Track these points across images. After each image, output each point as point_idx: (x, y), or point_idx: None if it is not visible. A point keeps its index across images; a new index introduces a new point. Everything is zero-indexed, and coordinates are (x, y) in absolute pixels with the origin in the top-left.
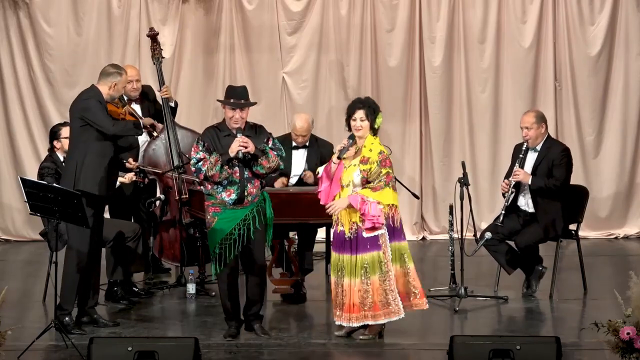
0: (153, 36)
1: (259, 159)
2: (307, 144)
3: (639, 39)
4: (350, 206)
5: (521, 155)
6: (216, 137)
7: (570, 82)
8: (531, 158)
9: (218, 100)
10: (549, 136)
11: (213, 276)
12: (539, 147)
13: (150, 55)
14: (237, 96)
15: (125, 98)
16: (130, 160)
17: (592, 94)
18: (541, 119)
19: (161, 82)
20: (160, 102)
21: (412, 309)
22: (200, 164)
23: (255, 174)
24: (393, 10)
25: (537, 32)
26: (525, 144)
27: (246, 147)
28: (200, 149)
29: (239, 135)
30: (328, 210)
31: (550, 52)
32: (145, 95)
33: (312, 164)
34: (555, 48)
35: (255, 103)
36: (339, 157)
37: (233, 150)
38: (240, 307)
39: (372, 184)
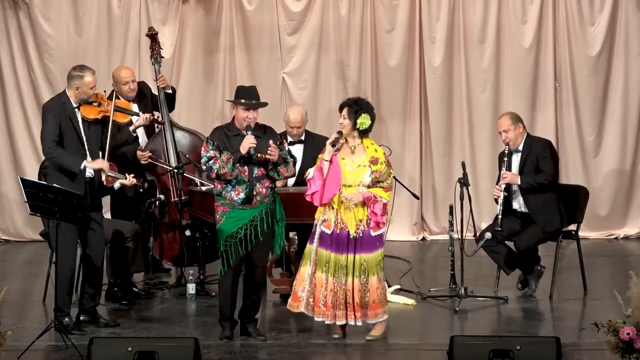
0: (152, 36)
1: (279, 167)
2: (303, 138)
3: (639, 39)
4: (362, 203)
5: (505, 159)
6: (225, 137)
7: (570, 82)
8: (515, 160)
9: (232, 101)
10: (528, 134)
11: (219, 275)
12: (520, 147)
13: (150, 55)
14: (250, 96)
15: (122, 99)
16: (145, 152)
17: (592, 94)
18: (516, 120)
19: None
20: (157, 95)
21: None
22: (211, 162)
23: (265, 175)
24: (393, 10)
25: (537, 32)
26: (507, 147)
27: (256, 145)
28: (211, 148)
29: (249, 132)
30: (349, 201)
31: (550, 53)
32: (141, 93)
33: (308, 159)
34: (555, 48)
35: (266, 104)
36: (333, 145)
37: (244, 147)
38: (236, 308)
39: (383, 183)
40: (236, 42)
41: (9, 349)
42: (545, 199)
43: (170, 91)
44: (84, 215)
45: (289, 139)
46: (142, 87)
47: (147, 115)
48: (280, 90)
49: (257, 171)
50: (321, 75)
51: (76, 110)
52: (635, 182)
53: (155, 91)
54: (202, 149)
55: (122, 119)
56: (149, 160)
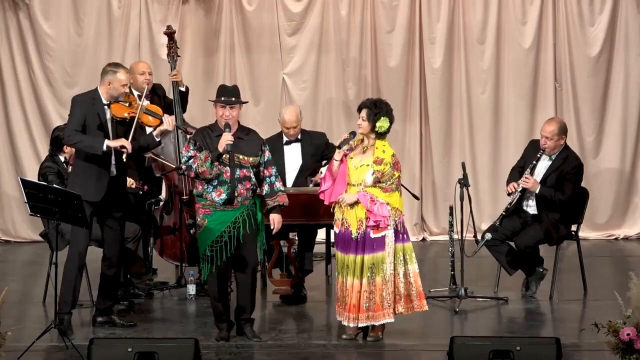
0: (170, 34)
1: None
2: (299, 137)
3: (639, 39)
4: (357, 203)
5: (534, 162)
6: (208, 136)
7: (570, 82)
8: (543, 165)
9: (210, 100)
10: (566, 145)
11: (203, 278)
12: (554, 156)
13: (166, 53)
14: (227, 94)
15: (136, 93)
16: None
17: (592, 94)
18: (562, 131)
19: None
20: (171, 97)
21: (413, 311)
22: (190, 161)
23: (247, 177)
24: (393, 10)
25: (537, 33)
26: (542, 151)
27: (233, 142)
28: (192, 147)
29: (227, 130)
30: (339, 202)
31: (550, 53)
32: (155, 92)
33: (307, 157)
34: (555, 49)
35: (245, 102)
36: (339, 147)
37: (221, 145)
38: (230, 309)
39: (383, 184)
40: (236, 42)
41: (9, 350)
42: (555, 213)
43: (183, 89)
44: (84, 216)
45: (285, 138)
46: (156, 87)
47: (172, 119)
48: (280, 90)
49: (239, 173)
50: (321, 75)
51: (106, 107)
52: (635, 182)
53: (169, 94)
54: (184, 148)
55: (153, 123)
56: (151, 155)
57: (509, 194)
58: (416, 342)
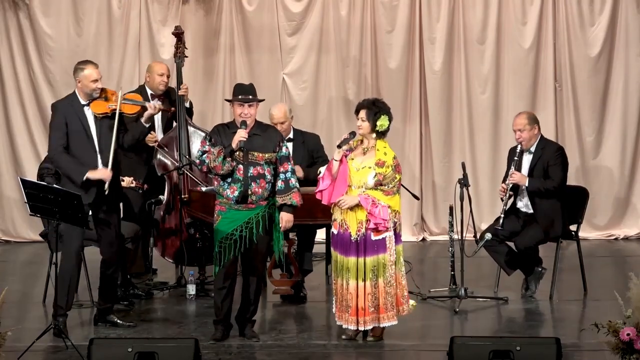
0: (178, 35)
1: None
2: (292, 136)
3: (639, 39)
4: (358, 205)
5: (516, 158)
6: (223, 133)
7: (570, 83)
8: (526, 160)
9: (226, 100)
10: (542, 137)
11: (214, 275)
12: (533, 149)
13: (173, 53)
14: (244, 93)
15: (149, 92)
16: (153, 133)
17: (592, 94)
18: (534, 121)
19: (180, 81)
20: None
21: (402, 314)
22: (204, 156)
23: (262, 175)
24: (393, 11)
25: (537, 33)
26: (520, 146)
27: (246, 139)
28: (208, 143)
29: (242, 127)
30: (339, 205)
31: (550, 53)
32: (168, 95)
33: (299, 157)
34: (555, 49)
35: (262, 100)
36: (338, 146)
37: (234, 141)
38: (231, 311)
39: (385, 187)
40: (236, 42)
41: (8, 350)
42: (551, 204)
43: (187, 105)
44: (84, 216)
45: None
46: (170, 91)
47: (156, 103)
48: (281, 91)
49: (252, 170)
50: (321, 76)
51: (85, 107)
52: (634, 182)
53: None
54: (200, 144)
55: (131, 110)
56: (156, 145)
57: (502, 199)
58: (416, 342)
